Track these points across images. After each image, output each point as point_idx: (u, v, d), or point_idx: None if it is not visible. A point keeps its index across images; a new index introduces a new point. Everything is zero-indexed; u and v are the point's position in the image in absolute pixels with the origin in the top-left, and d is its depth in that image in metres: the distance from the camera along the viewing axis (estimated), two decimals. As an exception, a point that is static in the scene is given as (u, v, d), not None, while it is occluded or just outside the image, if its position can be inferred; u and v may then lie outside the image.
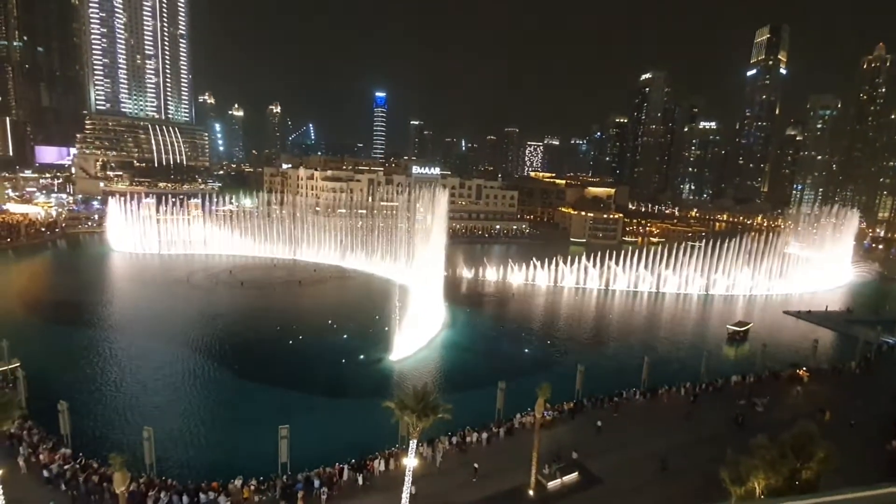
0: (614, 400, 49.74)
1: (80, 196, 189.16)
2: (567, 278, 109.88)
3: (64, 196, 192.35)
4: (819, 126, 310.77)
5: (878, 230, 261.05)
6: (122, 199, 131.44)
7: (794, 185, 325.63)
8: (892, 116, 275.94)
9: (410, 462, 33.54)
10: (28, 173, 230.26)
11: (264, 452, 37.14)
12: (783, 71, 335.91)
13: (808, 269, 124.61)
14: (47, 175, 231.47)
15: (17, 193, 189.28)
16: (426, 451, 38.94)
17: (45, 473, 34.14)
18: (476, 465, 37.52)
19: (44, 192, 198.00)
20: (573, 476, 37.11)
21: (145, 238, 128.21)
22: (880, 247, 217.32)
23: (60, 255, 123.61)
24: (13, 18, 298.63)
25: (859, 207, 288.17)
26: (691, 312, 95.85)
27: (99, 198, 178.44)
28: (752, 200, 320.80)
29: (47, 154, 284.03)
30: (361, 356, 62.81)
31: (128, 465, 30.31)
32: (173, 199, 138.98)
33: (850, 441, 40.67)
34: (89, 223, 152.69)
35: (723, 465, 30.07)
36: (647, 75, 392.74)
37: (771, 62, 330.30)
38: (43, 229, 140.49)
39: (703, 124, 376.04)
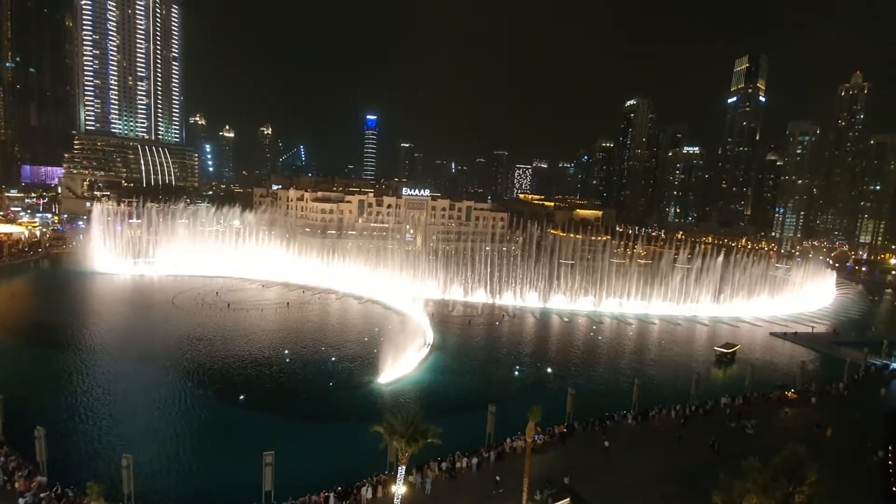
0: (605, 423, 49.40)
1: (66, 216, 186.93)
2: (556, 300, 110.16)
3: (49, 216, 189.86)
4: (799, 151, 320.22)
5: (860, 252, 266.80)
6: (108, 218, 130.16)
7: (777, 209, 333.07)
8: (871, 142, 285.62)
9: (399, 489, 32.90)
10: (14, 192, 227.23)
11: (248, 480, 36.02)
12: (762, 98, 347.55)
13: (792, 290, 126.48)
14: (33, 195, 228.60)
15: (1, 213, 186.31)
16: (415, 477, 38.14)
17: (21, 502, 32.83)
18: (498, 478, 37.32)
19: (29, 211, 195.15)
20: (565, 502, 36.49)
21: (130, 258, 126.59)
22: (863, 269, 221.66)
23: (43, 275, 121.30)
24: (7, 40, 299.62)
25: (841, 231, 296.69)
26: (679, 334, 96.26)
27: (85, 217, 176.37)
28: (735, 223, 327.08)
29: (34, 173, 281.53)
30: (349, 379, 61.93)
31: (105, 494, 29.37)
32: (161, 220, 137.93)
33: (846, 458, 41.05)
34: (73, 243, 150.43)
35: (714, 489, 29.96)
36: (632, 102, 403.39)
37: (750, 90, 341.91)
38: (26, 249, 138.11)
39: (686, 149, 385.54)
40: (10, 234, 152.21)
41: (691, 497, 36.55)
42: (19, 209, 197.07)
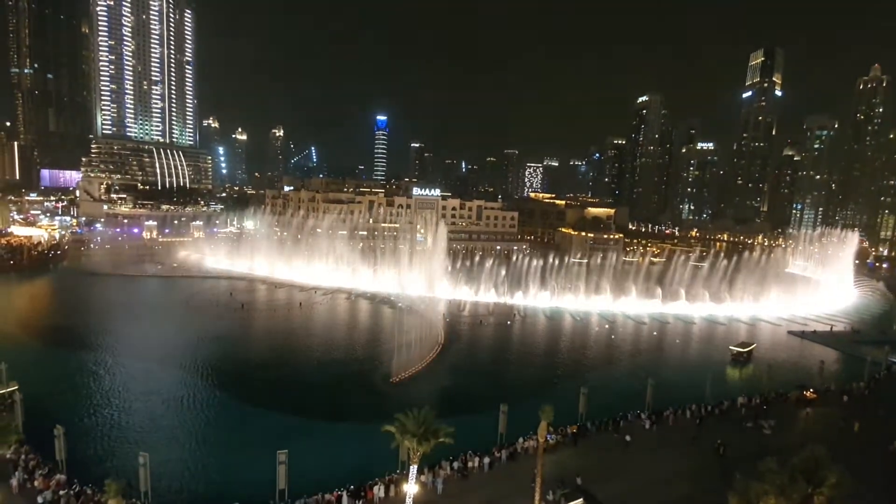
0: (619, 423, 48.90)
1: (84, 218, 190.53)
2: (568, 299, 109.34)
3: (68, 219, 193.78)
4: (816, 146, 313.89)
5: (881, 249, 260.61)
6: (124, 220, 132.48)
7: (794, 205, 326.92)
8: (891, 136, 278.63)
9: (411, 488, 32.94)
10: (33, 196, 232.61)
11: (262, 478, 36.39)
12: (778, 93, 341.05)
13: (811, 289, 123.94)
14: (52, 198, 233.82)
15: (21, 216, 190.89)
16: (427, 477, 38.12)
17: (40, 500, 33.52)
18: (536, 470, 36.27)
19: (48, 214, 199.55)
20: (578, 502, 36.18)
21: (147, 259, 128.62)
22: (884, 265, 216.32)
23: (62, 277, 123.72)
24: (25, 47, 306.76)
25: (861, 227, 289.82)
26: (694, 333, 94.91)
27: (102, 220, 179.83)
28: (751, 220, 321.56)
29: (53, 177, 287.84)
30: (361, 379, 62.18)
31: (123, 492, 29.79)
32: (175, 221, 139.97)
33: (870, 457, 40.16)
34: (92, 245, 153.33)
35: (731, 490, 29.50)
36: (644, 98, 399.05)
37: (766, 84, 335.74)
38: (46, 252, 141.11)
39: (700, 145, 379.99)
40: (31, 236, 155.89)
41: (706, 499, 35.96)
42: (39, 212, 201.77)
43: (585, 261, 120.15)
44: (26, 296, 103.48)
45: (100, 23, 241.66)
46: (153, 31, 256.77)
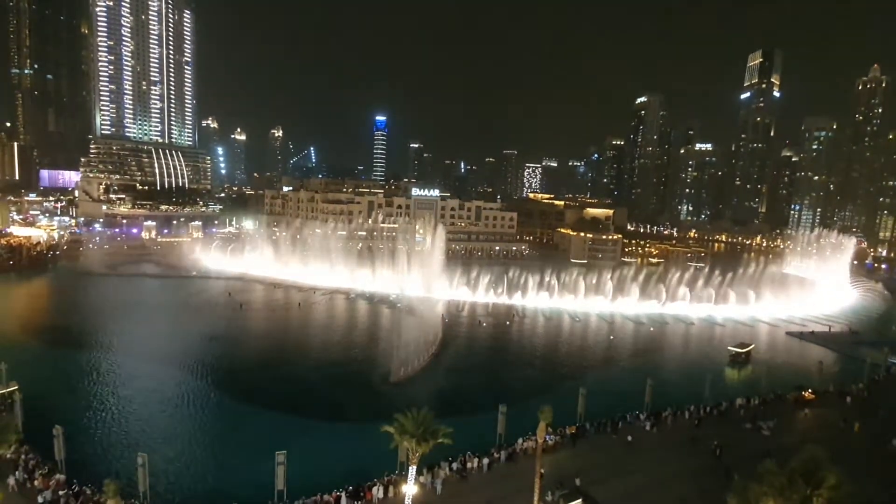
0: (618, 424, 48.95)
1: (83, 219, 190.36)
2: (567, 300, 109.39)
3: (67, 219, 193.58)
4: (815, 147, 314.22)
5: (879, 250, 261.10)
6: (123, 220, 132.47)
7: (792, 206, 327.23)
8: (890, 137, 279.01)
9: (410, 489, 32.97)
10: (32, 196, 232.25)
11: (261, 479, 36.40)
12: (777, 94, 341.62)
13: (809, 289, 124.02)
14: (51, 198, 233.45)
15: (20, 216, 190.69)
16: (426, 477, 38.13)
17: (40, 499, 33.55)
18: (542, 471, 35.92)
19: (47, 215, 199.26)
20: (577, 503, 36.21)
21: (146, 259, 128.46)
22: (883, 266, 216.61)
23: (61, 277, 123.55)
24: (25, 47, 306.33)
25: (859, 228, 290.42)
26: (692, 334, 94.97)
27: (101, 220, 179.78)
28: (750, 221, 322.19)
29: (52, 178, 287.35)
30: (360, 379, 62.18)
31: (121, 492, 29.82)
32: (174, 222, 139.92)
33: (872, 458, 40.30)
34: (91, 245, 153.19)
35: (730, 491, 29.56)
36: (643, 98, 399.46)
37: (764, 85, 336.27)
38: (45, 252, 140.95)
39: (699, 146, 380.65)
40: (30, 237, 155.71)
41: (705, 500, 36.05)
42: (38, 213, 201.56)
43: (585, 261, 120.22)
44: (25, 296, 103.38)
45: (99, 23, 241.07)
46: (152, 32, 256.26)
